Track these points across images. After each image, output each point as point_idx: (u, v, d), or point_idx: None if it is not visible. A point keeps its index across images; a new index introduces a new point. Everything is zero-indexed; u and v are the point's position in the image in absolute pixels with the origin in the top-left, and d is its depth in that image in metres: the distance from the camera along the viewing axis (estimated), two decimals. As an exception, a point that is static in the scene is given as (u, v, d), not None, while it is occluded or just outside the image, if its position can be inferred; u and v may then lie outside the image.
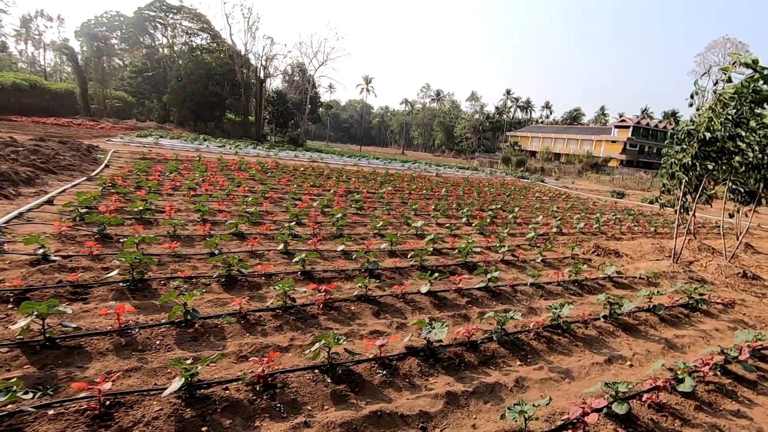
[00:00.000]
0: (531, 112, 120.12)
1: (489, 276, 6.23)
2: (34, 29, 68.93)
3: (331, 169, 22.79)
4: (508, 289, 6.44)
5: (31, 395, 2.61)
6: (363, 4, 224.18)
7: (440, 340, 4.10)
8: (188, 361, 3.07)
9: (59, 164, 13.41)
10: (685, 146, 9.07)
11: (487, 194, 20.40)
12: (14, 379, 2.75)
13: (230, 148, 30.65)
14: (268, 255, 6.74)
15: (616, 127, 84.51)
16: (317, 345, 3.52)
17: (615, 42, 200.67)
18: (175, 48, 55.57)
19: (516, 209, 14.79)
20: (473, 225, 11.34)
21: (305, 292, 5.08)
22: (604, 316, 5.62)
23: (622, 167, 73.38)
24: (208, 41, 54.22)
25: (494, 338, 4.50)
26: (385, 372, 3.65)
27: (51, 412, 2.65)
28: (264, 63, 50.15)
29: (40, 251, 5.27)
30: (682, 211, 12.58)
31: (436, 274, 5.92)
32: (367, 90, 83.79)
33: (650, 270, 8.52)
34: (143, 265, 5.07)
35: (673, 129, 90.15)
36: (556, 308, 5.08)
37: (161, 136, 33.37)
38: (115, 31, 59.07)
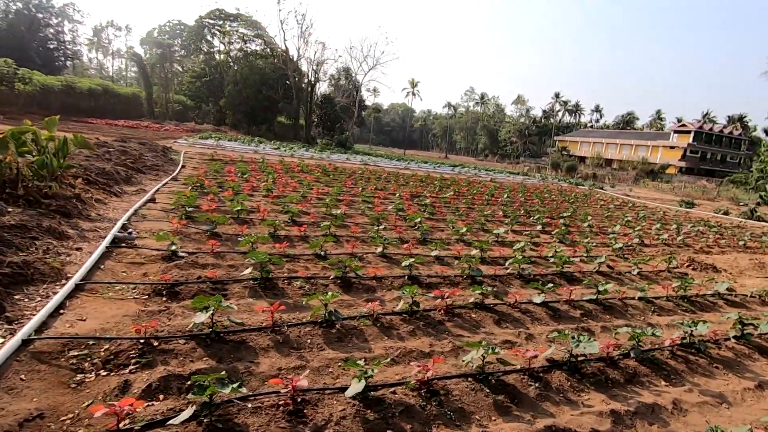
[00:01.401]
0: (580, 116, 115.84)
1: (600, 288, 6.00)
2: (104, 38, 74.04)
3: (386, 173, 22.92)
4: (617, 302, 6.17)
5: (228, 389, 2.73)
6: (409, 6, 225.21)
7: (586, 355, 3.97)
8: (361, 362, 3.12)
9: (145, 164, 14.25)
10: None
11: (550, 201, 19.80)
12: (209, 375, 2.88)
13: (285, 150, 31.54)
14: (367, 257, 6.82)
15: (676, 132, 79.99)
16: (473, 353, 3.49)
17: (673, 42, 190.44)
18: (231, 54, 57.92)
19: (589, 218, 14.25)
20: (553, 234, 11.00)
21: (431, 296, 5.07)
22: (735, 337, 5.26)
23: (681, 175, 69.36)
24: (263, 47, 56.15)
25: (632, 355, 4.30)
26: (537, 385, 3.57)
27: (249, 405, 2.77)
28: (315, 68, 51.41)
29: (171, 247, 5.58)
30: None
31: (549, 285, 5.76)
32: (413, 93, 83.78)
33: (761, 288, 7.92)
34: (268, 263, 5.24)
35: (740, 135, 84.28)
36: (689, 326, 4.80)
37: (220, 139, 34.86)
38: (176, 39, 62.52)
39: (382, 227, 8.30)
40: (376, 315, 4.44)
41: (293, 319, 4.17)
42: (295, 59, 51.63)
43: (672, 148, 77.27)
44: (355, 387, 2.93)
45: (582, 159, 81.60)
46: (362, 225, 9.43)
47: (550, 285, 6.70)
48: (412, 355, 3.82)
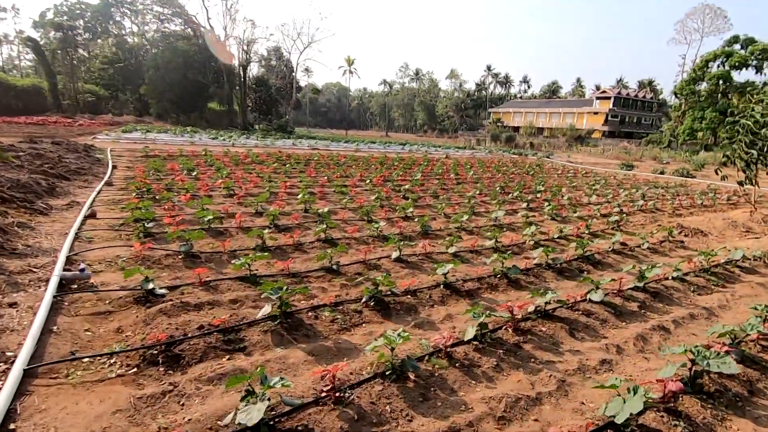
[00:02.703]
0: (510, 88, 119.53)
1: (645, 274, 5.48)
2: (-13, 21, 63.68)
3: (342, 157, 21.63)
4: (660, 287, 5.72)
5: None
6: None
7: (721, 372, 3.34)
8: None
9: (69, 168, 11.96)
10: None
11: (512, 174, 19.71)
12: None
13: (225, 139, 29.03)
14: (384, 264, 5.82)
15: (598, 98, 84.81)
16: (616, 406, 2.69)
17: (587, 12, 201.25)
18: (147, 36, 52.29)
19: (563, 189, 14.16)
20: (544, 211, 10.57)
21: (498, 315, 4.21)
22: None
23: (605, 138, 73.97)
24: (183, 27, 51.13)
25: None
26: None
27: None
28: (245, 47, 47.71)
29: (146, 285, 4.21)
30: (747, 182, 12.22)
31: (583, 273, 5.13)
32: (350, 72, 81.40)
33: (758, 250, 7.96)
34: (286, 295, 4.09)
35: (651, 98, 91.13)
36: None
37: (147, 131, 31.39)
38: (78, 20, 55.15)
39: (382, 224, 7.27)
40: (446, 350, 3.51)
41: (351, 375, 3.13)
42: (222, 39, 47.59)
43: (596, 113, 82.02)
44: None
45: (516, 129, 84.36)
46: (351, 221, 8.35)
47: (585, 274, 6.16)
48: (520, 406, 2.96)
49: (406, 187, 12.24)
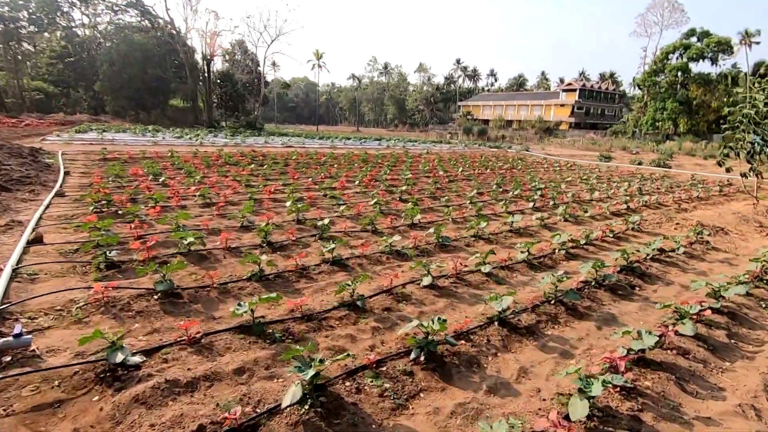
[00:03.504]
0: (477, 81, 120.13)
1: (722, 291, 4.68)
2: None
3: (321, 155, 20.32)
4: (732, 305, 4.94)
5: None
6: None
7: None
8: None
9: (11, 177, 10.24)
10: None
11: (501, 170, 19.00)
12: None
13: (191, 138, 27.04)
14: (414, 293, 4.76)
15: (564, 90, 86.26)
16: None
17: (549, 6, 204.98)
18: (100, 28, 48.66)
19: (563, 186, 13.51)
20: (557, 213, 9.75)
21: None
22: None
23: (572, 129, 75.43)
24: (139, 18, 47.82)
25: None
26: None
27: None
28: (209, 40, 45.04)
29: (114, 357, 2.99)
30: (751, 174, 11.87)
31: (638, 291, 4.26)
32: (319, 66, 79.18)
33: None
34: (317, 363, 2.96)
35: (614, 90, 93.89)
36: None
37: (104, 131, 28.91)
38: (21, 11, 50.69)
39: (396, 238, 6.19)
40: (554, 437, 2.51)
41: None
42: (183, 31, 44.82)
43: (562, 106, 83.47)
44: None
45: (485, 122, 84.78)
46: (354, 233, 7.24)
47: (637, 290, 5.32)
48: None
49: (402, 188, 11.19)
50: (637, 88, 74.32)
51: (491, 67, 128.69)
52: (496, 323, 4.02)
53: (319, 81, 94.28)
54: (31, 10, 47.27)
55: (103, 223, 6.03)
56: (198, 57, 46.35)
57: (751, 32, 56.85)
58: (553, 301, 4.65)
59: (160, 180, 11.30)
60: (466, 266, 5.60)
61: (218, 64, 54.18)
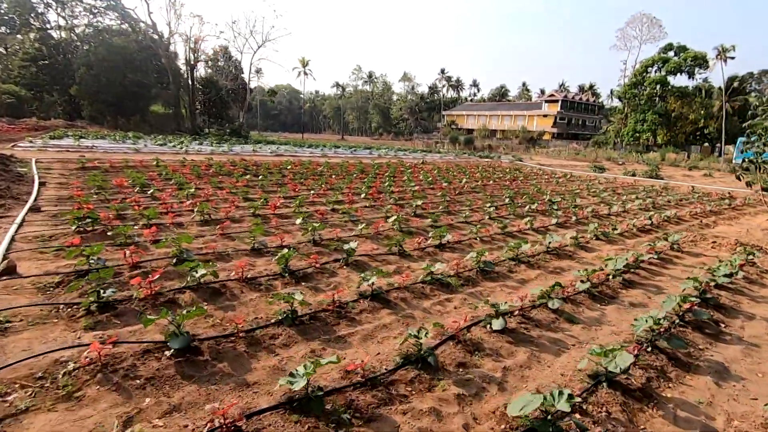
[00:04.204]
0: (461, 91, 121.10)
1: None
2: None
3: (316, 165, 19.37)
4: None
5: None
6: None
7: None
8: None
9: (-24, 190, 9.04)
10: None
11: (504, 181, 18.43)
12: None
13: (175, 146, 25.76)
14: (484, 339, 3.92)
15: (546, 101, 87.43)
16: None
17: (529, 20, 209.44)
18: (77, 30, 46.72)
19: (578, 200, 12.96)
20: (588, 232, 9.08)
21: None
22: None
23: (554, 140, 76.35)
24: (119, 22, 46.12)
25: None
26: None
27: None
28: (193, 45, 43.66)
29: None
30: (774, 188, 11.51)
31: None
32: (305, 73, 78.26)
33: None
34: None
35: (594, 101, 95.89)
36: None
37: (81, 137, 27.33)
38: (-9, 11, 48.33)
39: (438, 266, 5.34)
40: None
41: None
42: (166, 36, 43.34)
43: (545, 116, 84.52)
44: None
45: (470, 131, 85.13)
46: (380, 257, 6.38)
47: (722, 327, 4.61)
48: None
49: (417, 202, 10.37)
50: (617, 99, 75.91)
51: (474, 78, 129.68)
52: (605, 385, 3.21)
53: (304, 89, 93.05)
54: (2, 11, 45.11)
55: (91, 249, 5.01)
56: (181, 62, 44.92)
57: (726, 47, 58.66)
58: (649, 348, 3.88)
59: (149, 192, 10.22)
60: (531, 301, 4.79)
61: (201, 70, 52.80)
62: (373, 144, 57.13)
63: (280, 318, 3.94)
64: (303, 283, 5.12)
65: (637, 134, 62.68)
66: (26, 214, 7.73)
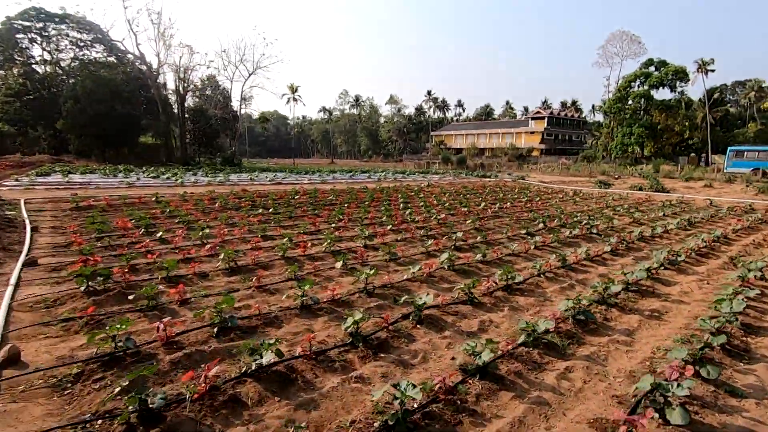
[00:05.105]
0: (447, 111, 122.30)
1: None
2: None
3: (323, 194, 18.45)
4: None
5: None
6: (279, 9, 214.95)
7: None
8: None
9: (-39, 243, 7.90)
10: None
11: (518, 201, 17.70)
12: None
13: (170, 178, 24.74)
14: (661, 439, 2.97)
15: (533, 118, 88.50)
16: None
17: (511, 38, 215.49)
18: (62, 64, 45.84)
19: (614, 221, 12.25)
20: (659, 260, 8.27)
21: None
22: None
23: (543, 156, 76.87)
24: (106, 54, 45.42)
25: None
26: None
27: None
28: (183, 75, 43.03)
29: None
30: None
31: None
32: (294, 99, 78.11)
33: None
34: None
35: (578, 117, 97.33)
36: None
37: (70, 172, 26.20)
38: (-27, 47, 47.32)
39: (530, 320, 4.40)
40: None
41: None
42: (155, 67, 42.65)
43: (532, 133, 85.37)
44: None
45: (459, 150, 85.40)
46: (454, 310, 5.42)
47: None
48: None
49: (459, 235, 9.46)
50: (602, 114, 77.14)
51: (458, 98, 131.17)
52: None
53: (292, 114, 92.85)
54: (-16, 46, 44.11)
55: (114, 326, 3.96)
56: (171, 92, 44.18)
57: (706, 61, 60.13)
58: None
59: (158, 236, 9.15)
60: (678, 368, 3.86)
61: (190, 100, 52.10)
62: (363, 167, 56.54)
63: (388, 420, 2.95)
64: (381, 354, 4.14)
65: (625, 147, 63.34)
66: (21, 270, 6.62)
